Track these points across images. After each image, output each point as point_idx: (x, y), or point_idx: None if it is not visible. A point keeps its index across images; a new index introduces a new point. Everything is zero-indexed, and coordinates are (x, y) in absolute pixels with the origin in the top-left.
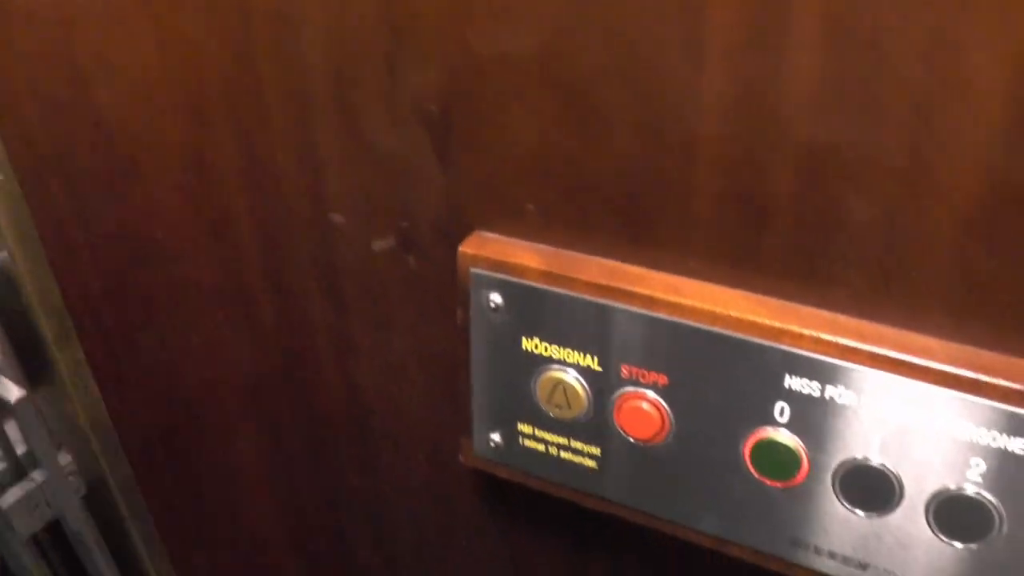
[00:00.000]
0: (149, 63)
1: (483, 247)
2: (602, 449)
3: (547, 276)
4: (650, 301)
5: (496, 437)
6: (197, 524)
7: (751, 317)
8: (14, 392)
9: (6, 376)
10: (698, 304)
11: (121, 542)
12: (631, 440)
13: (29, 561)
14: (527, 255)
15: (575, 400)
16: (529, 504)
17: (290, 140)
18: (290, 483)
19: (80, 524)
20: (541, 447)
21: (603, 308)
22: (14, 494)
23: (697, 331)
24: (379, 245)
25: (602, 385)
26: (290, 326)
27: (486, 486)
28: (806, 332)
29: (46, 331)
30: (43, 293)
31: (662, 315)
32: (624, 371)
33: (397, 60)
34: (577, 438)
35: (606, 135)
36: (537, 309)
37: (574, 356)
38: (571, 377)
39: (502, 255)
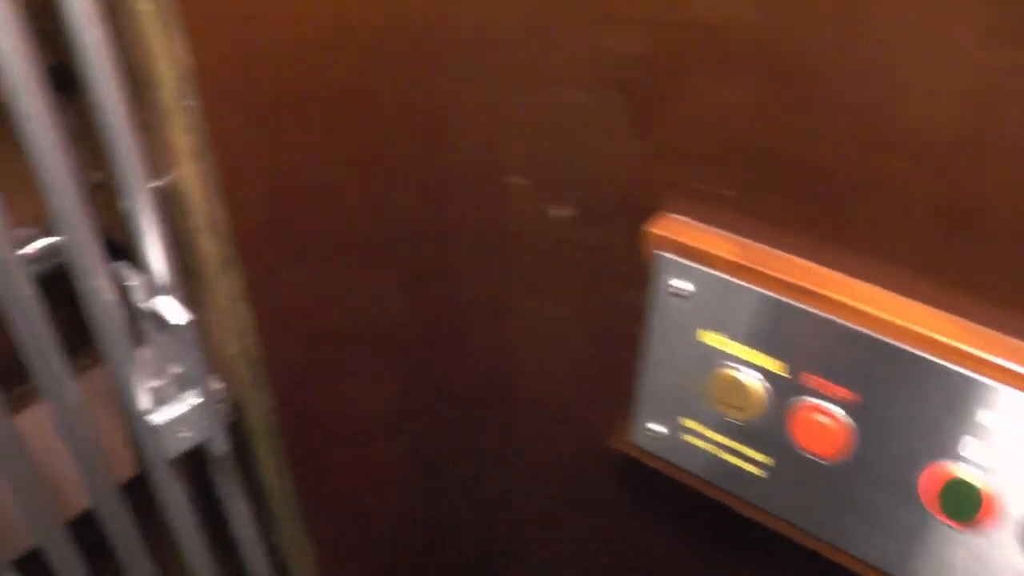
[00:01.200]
0: None
1: (673, 230)
2: (772, 459)
3: (739, 268)
4: (847, 310)
5: (657, 427)
6: (326, 462)
7: (954, 342)
8: (181, 315)
9: (171, 295)
10: (899, 320)
11: (251, 473)
12: (805, 453)
13: (172, 483)
14: (720, 244)
15: (750, 402)
16: (673, 498)
17: (473, 92)
18: (422, 433)
19: (224, 451)
20: (704, 445)
21: (795, 310)
22: (166, 414)
23: (894, 349)
24: (556, 212)
25: (782, 391)
26: (443, 280)
27: (631, 472)
28: (1012, 367)
29: (211, 256)
30: (212, 218)
31: (858, 326)
32: (808, 379)
33: (603, 20)
34: (746, 442)
35: (824, 125)
36: (723, 302)
37: (756, 356)
38: (749, 377)
39: (693, 240)
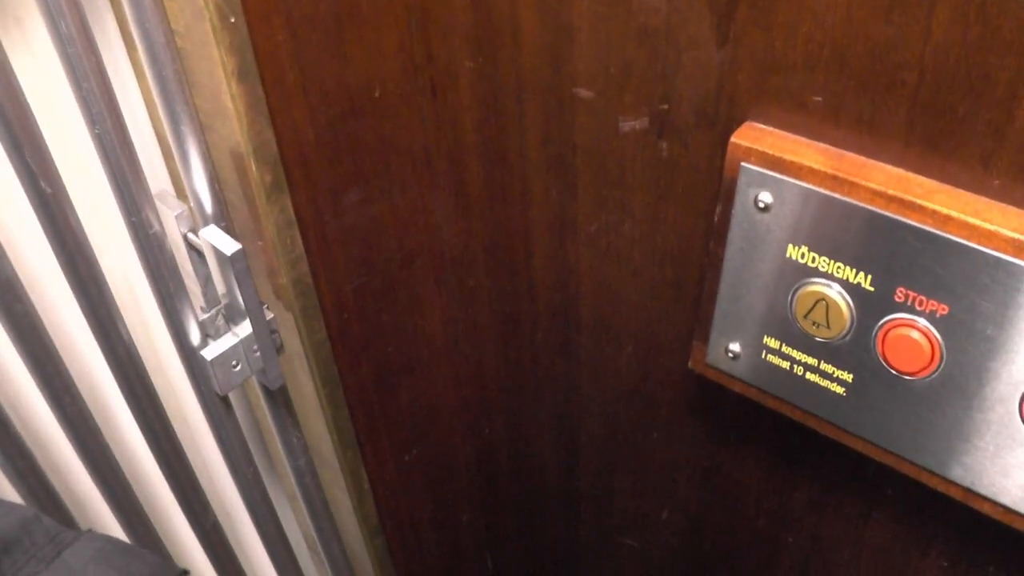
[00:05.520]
0: None
1: (757, 139)
2: (855, 376)
3: (828, 179)
4: (944, 220)
5: (735, 347)
6: (380, 389)
7: None
8: (229, 244)
9: (218, 225)
10: (1002, 230)
11: (304, 404)
12: (891, 371)
13: (225, 419)
14: (808, 153)
15: (836, 319)
16: (751, 419)
17: None
18: (478, 355)
19: (279, 384)
20: (786, 364)
21: (887, 222)
22: (217, 348)
23: (996, 261)
24: (628, 126)
25: (870, 307)
26: (503, 198)
27: (708, 394)
28: None
29: (258, 181)
30: (260, 142)
31: (956, 237)
32: (899, 295)
33: None
34: (829, 361)
35: (928, 21)
36: (811, 214)
37: (844, 271)
38: (835, 293)
39: (779, 150)
